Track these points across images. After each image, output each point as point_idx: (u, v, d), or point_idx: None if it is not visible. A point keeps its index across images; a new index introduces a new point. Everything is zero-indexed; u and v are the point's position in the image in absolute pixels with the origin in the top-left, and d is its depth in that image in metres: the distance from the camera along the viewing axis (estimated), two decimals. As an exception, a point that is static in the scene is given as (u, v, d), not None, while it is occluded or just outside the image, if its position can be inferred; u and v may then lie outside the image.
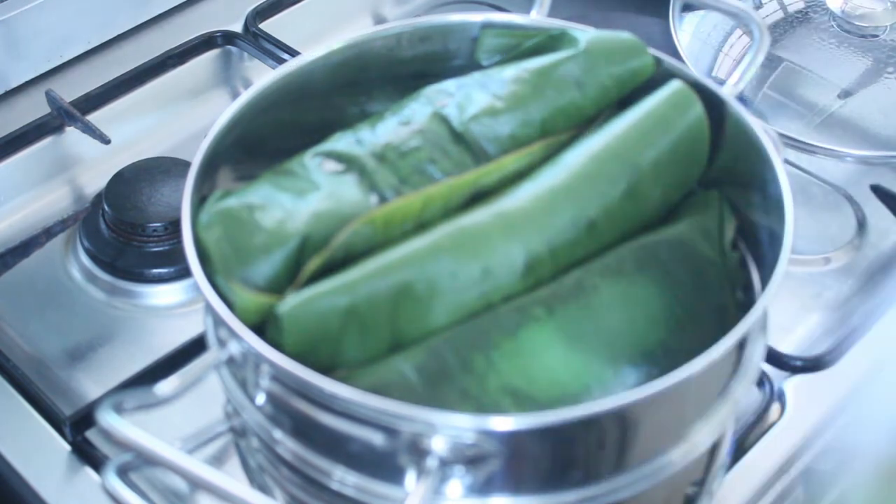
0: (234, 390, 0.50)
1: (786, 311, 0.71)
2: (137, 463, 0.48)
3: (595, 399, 0.47)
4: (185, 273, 0.69)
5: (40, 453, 0.61)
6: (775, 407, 0.64)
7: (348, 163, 0.54)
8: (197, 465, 0.45)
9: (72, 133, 0.78)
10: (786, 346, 0.67)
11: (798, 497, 0.61)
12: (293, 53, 0.83)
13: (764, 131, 0.55)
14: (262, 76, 0.58)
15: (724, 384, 0.50)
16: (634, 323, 0.51)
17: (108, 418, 0.46)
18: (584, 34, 0.59)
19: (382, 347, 0.49)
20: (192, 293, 0.71)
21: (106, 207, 0.72)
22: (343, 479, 0.48)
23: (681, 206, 0.57)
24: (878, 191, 0.76)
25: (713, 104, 0.57)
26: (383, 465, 0.46)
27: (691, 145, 0.56)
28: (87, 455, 0.61)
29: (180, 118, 0.83)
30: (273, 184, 0.53)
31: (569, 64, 0.58)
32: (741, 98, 0.58)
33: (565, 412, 0.44)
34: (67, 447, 0.62)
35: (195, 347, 0.63)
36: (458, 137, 0.55)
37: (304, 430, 0.48)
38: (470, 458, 0.45)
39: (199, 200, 0.52)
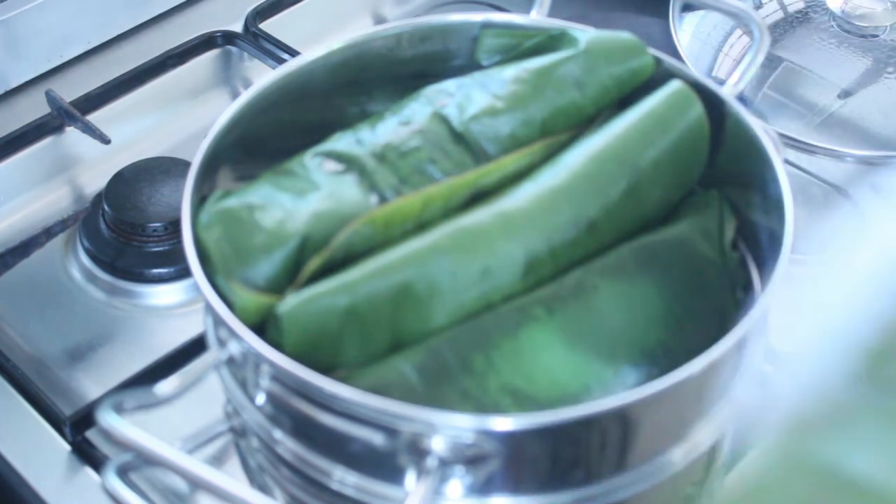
0: (234, 390, 0.50)
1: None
2: (137, 463, 0.48)
3: (595, 399, 0.47)
4: (185, 273, 0.69)
5: (40, 453, 0.61)
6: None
7: (348, 163, 0.54)
8: (197, 465, 0.45)
9: (72, 133, 0.78)
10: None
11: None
12: (293, 53, 0.83)
13: (764, 131, 0.55)
14: (262, 76, 0.58)
15: (724, 384, 0.50)
16: (634, 323, 0.51)
17: (108, 418, 0.46)
18: (584, 34, 0.59)
19: (382, 347, 0.49)
20: (192, 293, 0.71)
21: (106, 207, 0.72)
22: (343, 479, 0.48)
23: (681, 206, 0.57)
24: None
25: (713, 104, 0.57)
26: (383, 465, 0.46)
27: (691, 145, 0.56)
28: (87, 455, 0.61)
29: (180, 118, 0.83)
30: (273, 184, 0.53)
31: (569, 64, 0.58)
32: (741, 98, 0.58)
33: (565, 412, 0.44)
34: (67, 447, 0.62)
35: (195, 347, 0.63)
36: (458, 137, 0.55)
37: (304, 430, 0.48)
38: (470, 458, 0.45)
39: (199, 200, 0.52)
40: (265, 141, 0.57)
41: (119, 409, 0.46)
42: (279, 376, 0.47)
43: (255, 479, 0.54)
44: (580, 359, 0.50)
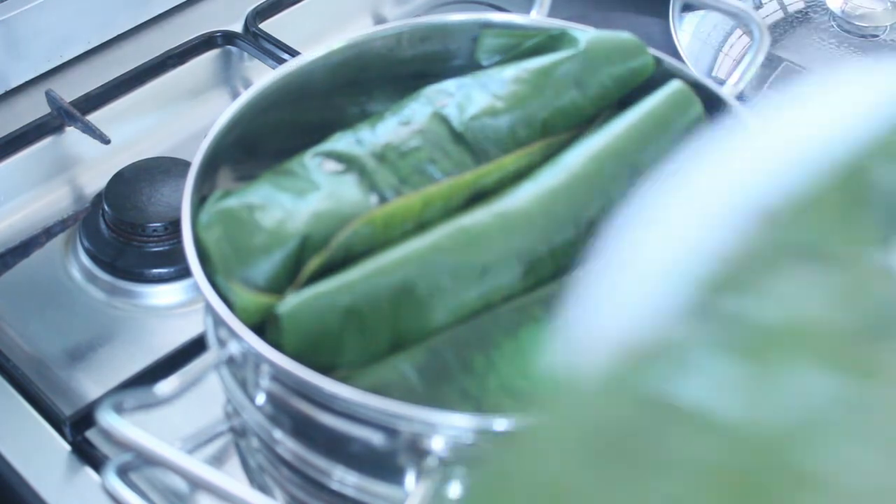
0: (234, 390, 0.50)
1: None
2: (137, 463, 0.48)
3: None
4: (185, 273, 0.68)
5: (40, 453, 0.61)
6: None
7: (348, 163, 0.54)
8: (197, 465, 0.45)
9: (72, 133, 0.78)
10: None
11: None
12: (293, 53, 0.83)
13: (764, 131, 0.55)
14: (262, 76, 0.58)
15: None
16: (634, 323, 0.51)
17: (108, 418, 0.46)
18: (584, 34, 0.59)
19: (382, 347, 0.49)
20: (192, 293, 0.71)
21: (106, 207, 0.72)
22: (343, 479, 0.48)
23: (681, 206, 0.57)
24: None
25: (713, 104, 0.57)
26: (383, 466, 0.46)
27: (691, 145, 0.56)
28: (87, 455, 0.61)
29: (180, 118, 0.83)
30: (273, 184, 0.53)
31: (569, 64, 0.58)
32: (741, 98, 0.58)
33: (565, 412, 0.44)
34: (67, 447, 0.62)
35: (195, 347, 0.63)
36: (458, 137, 0.55)
37: (304, 430, 0.48)
38: (470, 458, 0.45)
39: (199, 200, 0.52)
40: (265, 141, 0.57)
41: (119, 409, 0.46)
42: (279, 376, 0.47)
43: (255, 479, 0.54)
44: (580, 359, 0.50)
